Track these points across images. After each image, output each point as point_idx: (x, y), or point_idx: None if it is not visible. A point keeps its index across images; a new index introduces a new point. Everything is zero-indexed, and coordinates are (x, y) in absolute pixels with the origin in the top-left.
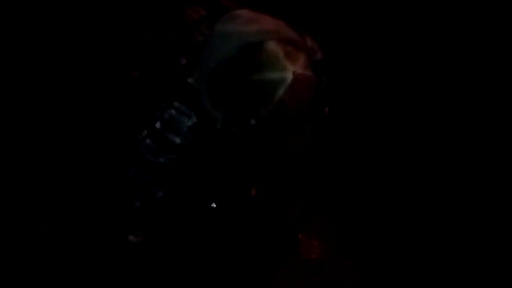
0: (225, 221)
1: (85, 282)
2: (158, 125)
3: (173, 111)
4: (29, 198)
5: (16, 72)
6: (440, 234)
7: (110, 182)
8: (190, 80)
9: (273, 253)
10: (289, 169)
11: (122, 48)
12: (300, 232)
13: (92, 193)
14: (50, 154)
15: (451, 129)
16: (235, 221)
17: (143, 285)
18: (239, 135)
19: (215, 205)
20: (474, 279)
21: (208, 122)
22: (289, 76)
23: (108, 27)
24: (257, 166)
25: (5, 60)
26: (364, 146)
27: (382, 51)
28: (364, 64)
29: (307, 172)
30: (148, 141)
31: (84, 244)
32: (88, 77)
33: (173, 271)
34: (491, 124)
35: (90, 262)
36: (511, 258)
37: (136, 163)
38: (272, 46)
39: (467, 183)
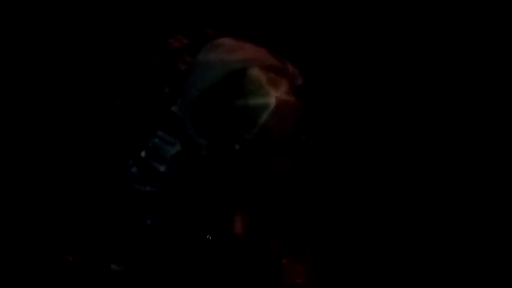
0: (217, 250)
1: None
2: (143, 154)
3: (156, 140)
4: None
5: None
6: (428, 259)
7: (98, 209)
8: (174, 108)
9: (258, 279)
10: (274, 197)
11: (105, 75)
12: (284, 257)
13: (80, 217)
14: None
15: (441, 138)
16: (224, 249)
17: None
18: (224, 160)
19: (210, 237)
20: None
21: (192, 150)
22: (272, 102)
23: (91, 52)
24: (243, 194)
25: None
26: (347, 168)
27: (381, 52)
28: (360, 71)
29: (291, 200)
30: (133, 169)
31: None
32: (71, 102)
33: None
34: (491, 124)
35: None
36: (510, 259)
37: (122, 191)
38: (255, 72)
39: (458, 196)
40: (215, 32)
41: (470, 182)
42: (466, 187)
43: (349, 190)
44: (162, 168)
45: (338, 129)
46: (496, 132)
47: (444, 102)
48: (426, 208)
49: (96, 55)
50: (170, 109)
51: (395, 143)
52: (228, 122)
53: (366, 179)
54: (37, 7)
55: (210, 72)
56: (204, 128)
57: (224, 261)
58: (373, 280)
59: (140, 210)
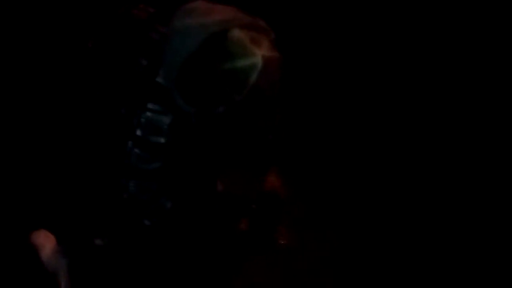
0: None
1: None
2: (139, 132)
3: (148, 114)
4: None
5: None
6: (408, 217)
7: (111, 207)
8: (158, 79)
9: (241, 241)
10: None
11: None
12: (269, 220)
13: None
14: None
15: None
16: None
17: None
18: (213, 125)
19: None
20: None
21: (183, 119)
22: (259, 61)
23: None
24: (237, 157)
25: None
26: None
27: (381, 52)
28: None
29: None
30: (136, 150)
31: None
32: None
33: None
34: (491, 124)
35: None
36: (509, 259)
37: (133, 175)
38: (237, 33)
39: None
40: None
41: (470, 182)
42: (466, 186)
43: (334, 154)
44: (162, 140)
45: (340, 116)
46: (496, 132)
47: (444, 101)
48: (419, 186)
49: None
50: (154, 80)
51: (394, 132)
52: (217, 86)
53: (361, 154)
54: None
55: (190, 38)
56: (192, 95)
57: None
58: (356, 243)
59: (158, 192)
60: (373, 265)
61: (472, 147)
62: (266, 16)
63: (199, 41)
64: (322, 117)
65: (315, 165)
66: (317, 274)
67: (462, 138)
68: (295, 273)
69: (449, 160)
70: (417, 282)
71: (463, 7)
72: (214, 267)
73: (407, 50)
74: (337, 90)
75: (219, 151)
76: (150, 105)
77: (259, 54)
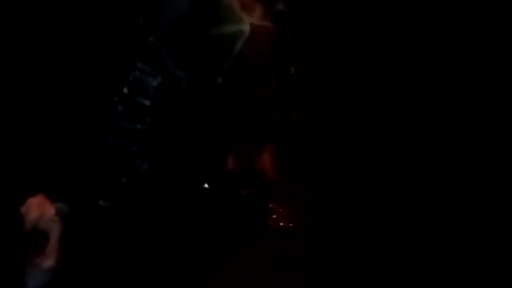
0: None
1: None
2: (125, 89)
3: (137, 73)
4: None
5: None
6: (413, 207)
7: (91, 158)
8: (151, 39)
9: (242, 222)
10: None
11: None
12: (270, 200)
13: (73, 167)
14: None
15: (440, 130)
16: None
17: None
18: (206, 94)
19: (207, 186)
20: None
21: (172, 82)
22: (246, 28)
23: None
24: (230, 127)
25: None
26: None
27: (381, 51)
28: (362, 67)
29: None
30: (120, 107)
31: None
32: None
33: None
34: (491, 124)
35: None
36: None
37: (113, 131)
38: None
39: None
40: None
41: (470, 181)
42: (466, 185)
43: (342, 142)
44: (147, 102)
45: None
46: (496, 132)
47: (444, 101)
48: (427, 175)
49: None
50: (147, 40)
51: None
52: (204, 51)
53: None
54: None
55: None
56: (180, 59)
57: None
58: (358, 227)
59: (135, 152)
60: (374, 252)
61: (473, 147)
62: None
63: (190, 1)
64: (331, 105)
65: (324, 152)
66: (316, 259)
67: (462, 137)
68: (293, 256)
69: (455, 152)
70: (418, 271)
71: (463, 7)
72: (208, 247)
73: (407, 50)
74: (351, 79)
75: (209, 121)
76: (139, 64)
77: (247, 21)
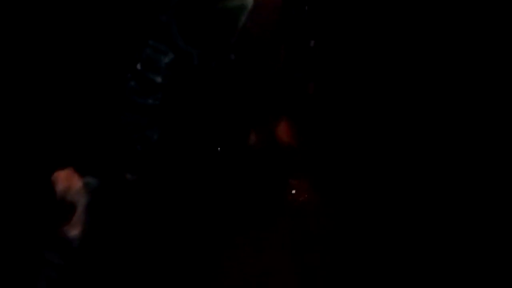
0: (227, 164)
1: None
2: (138, 66)
3: (149, 50)
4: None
5: None
6: (427, 199)
7: (106, 129)
8: (162, 17)
9: (263, 196)
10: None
11: None
12: (290, 176)
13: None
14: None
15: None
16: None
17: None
18: (220, 69)
19: (219, 149)
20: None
21: (185, 59)
22: (249, 2)
23: None
24: (244, 102)
25: None
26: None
27: (382, 50)
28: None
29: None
30: (132, 83)
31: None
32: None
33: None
34: (491, 124)
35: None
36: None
37: (126, 106)
38: None
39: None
40: None
41: (470, 181)
42: (470, 185)
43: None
44: (158, 79)
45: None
46: (496, 132)
47: (446, 101)
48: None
49: None
50: (158, 18)
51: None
52: (211, 26)
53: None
54: None
55: None
56: (190, 35)
57: (232, 175)
58: (373, 208)
59: (146, 125)
60: (394, 230)
61: (473, 147)
62: None
63: None
64: (345, 96)
65: (344, 129)
66: (334, 234)
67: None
68: (312, 231)
69: (462, 151)
70: (428, 263)
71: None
72: (219, 220)
73: (407, 49)
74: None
75: (223, 93)
76: (151, 42)
77: None
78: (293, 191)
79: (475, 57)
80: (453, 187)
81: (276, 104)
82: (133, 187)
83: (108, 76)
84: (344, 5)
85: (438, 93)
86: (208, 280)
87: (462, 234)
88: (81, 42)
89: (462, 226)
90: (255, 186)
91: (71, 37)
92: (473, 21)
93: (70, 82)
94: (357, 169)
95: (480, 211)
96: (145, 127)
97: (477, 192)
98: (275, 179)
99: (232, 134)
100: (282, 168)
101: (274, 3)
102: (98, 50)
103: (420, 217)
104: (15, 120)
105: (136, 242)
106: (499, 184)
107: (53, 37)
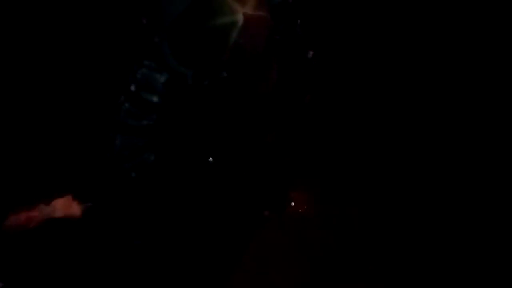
0: (221, 175)
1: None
2: (133, 87)
3: (144, 70)
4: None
5: None
6: (425, 198)
7: (100, 156)
8: (156, 39)
9: (261, 206)
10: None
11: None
12: (290, 186)
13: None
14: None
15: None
16: (229, 175)
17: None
18: (213, 88)
19: (211, 159)
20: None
21: (179, 78)
22: (239, 18)
23: None
24: (239, 118)
25: None
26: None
27: (382, 50)
28: (363, 64)
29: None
30: (126, 105)
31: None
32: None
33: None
34: (491, 124)
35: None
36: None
37: (120, 130)
38: None
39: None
40: None
41: (470, 181)
42: (466, 185)
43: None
44: (154, 99)
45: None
46: (496, 132)
47: (447, 102)
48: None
49: None
50: (152, 40)
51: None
52: (202, 45)
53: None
54: None
55: None
56: (182, 56)
57: (228, 190)
58: (374, 216)
59: (142, 148)
60: (392, 239)
61: (473, 147)
62: None
63: (185, 0)
64: (346, 95)
65: (342, 140)
66: (332, 245)
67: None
68: (310, 242)
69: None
70: (430, 260)
71: (463, 7)
72: (223, 230)
73: (407, 49)
74: (369, 64)
75: (217, 111)
76: (146, 62)
77: (240, 12)
78: (293, 204)
79: (471, 60)
80: (453, 196)
81: (272, 116)
82: (133, 209)
83: (101, 101)
84: (335, 15)
85: (434, 104)
86: None
87: (463, 241)
88: (72, 66)
89: (463, 233)
90: (254, 201)
91: (64, 61)
92: (471, 22)
93: (65, 108)
94: (356, 179)
95: (479, 219)
96: (141, 150)
97: (476, 201)
98: (274, 192)
99: (228, 148)
100: (281, 181)
101: (264, 19)
102: (90, 73)
103: (421, 226)
104: (10, 147)
105: (139, 264)
106: (499, 184)
107: (46, 61)
